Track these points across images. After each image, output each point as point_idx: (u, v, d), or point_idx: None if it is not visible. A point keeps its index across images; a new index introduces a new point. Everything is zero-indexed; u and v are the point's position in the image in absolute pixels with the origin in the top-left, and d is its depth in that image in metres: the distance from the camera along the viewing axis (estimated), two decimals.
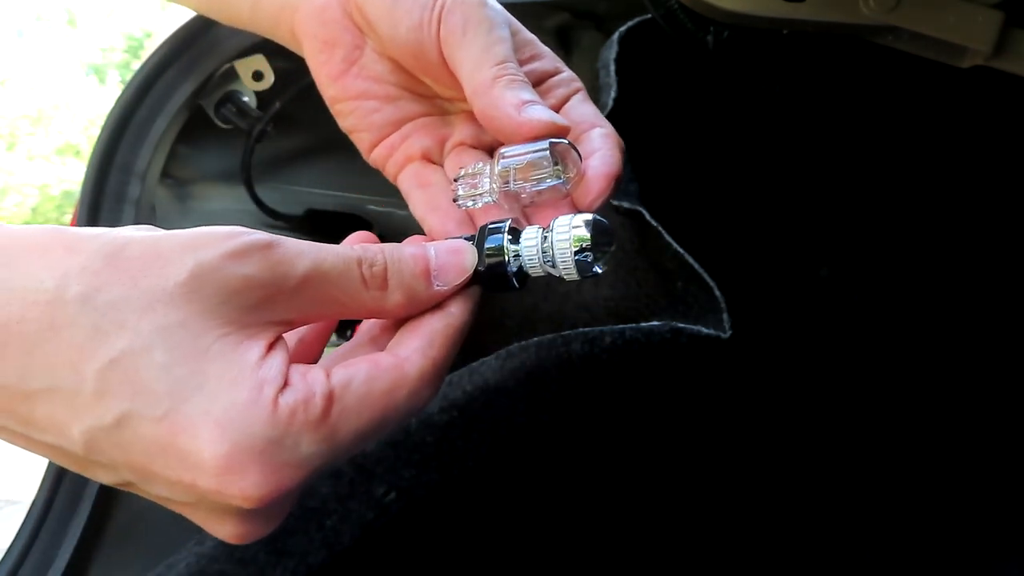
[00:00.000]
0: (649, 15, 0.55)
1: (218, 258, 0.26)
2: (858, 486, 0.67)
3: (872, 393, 0.68)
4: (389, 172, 0.41)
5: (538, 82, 0.38)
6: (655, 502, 0.65)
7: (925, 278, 0.67)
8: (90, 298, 0.25)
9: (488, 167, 0.36)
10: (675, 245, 0.50)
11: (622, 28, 0.58)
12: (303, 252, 0.28)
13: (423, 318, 0.31)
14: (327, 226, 0.81)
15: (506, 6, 0.38)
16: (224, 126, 0.76)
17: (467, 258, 0.32)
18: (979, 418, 0.66)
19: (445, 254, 0.31)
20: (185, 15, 0.67)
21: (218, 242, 0.27)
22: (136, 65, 1.04)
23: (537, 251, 0.32)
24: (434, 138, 0.40)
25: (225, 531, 0.28)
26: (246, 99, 0.76)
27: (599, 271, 0.32)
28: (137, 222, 0.76)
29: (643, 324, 0.49)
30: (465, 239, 0.33)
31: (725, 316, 0.47)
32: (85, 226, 0.84)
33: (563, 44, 0.74)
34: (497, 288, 0.33)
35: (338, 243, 0.36)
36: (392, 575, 0.57)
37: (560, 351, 0.49)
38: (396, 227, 0.80)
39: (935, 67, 0.46)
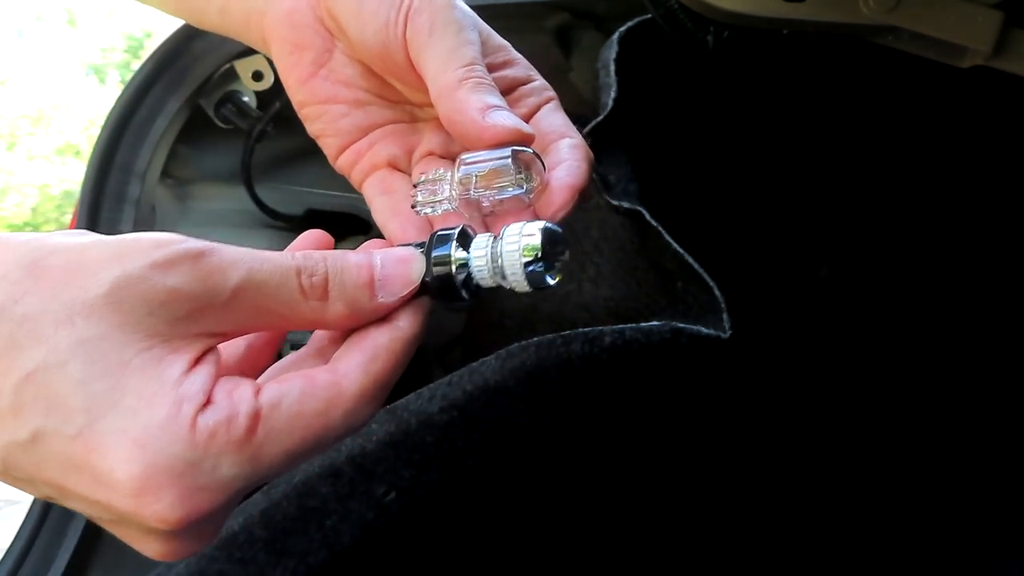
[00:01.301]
0: (649, 15, 0.55)
1: (143, 268, 0.25)
2: (858, 486, 0.67)
3: (872, 393, 0.68)
4: (354, 179, 0.40)
5: (509, 89, 0.37)
6: (655, 502, 0.65)
7: (925, 278, 0.67)
8: (6, 309, 0.25)
9: (449, 173, 0.35)
10: (675, 245, 0.50)
11: (622, 28, 0.58)
12: (237, 262, 0.27)
13: (368, 331, 0.30)
14: (327, 226, 0.81)
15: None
16: (224, 126, 0.76)
17: (414, 268, 0.30)
18: (979, 418, 0.66)
19: (392, 264, 0.30)
20: None
21: (145, 252, 0.26)
22: (136, 65, 1.04)
23: (487, 261, 0.30)
24: (402, 146, 0.39)
25: (151, 549, 0.27)
26: (246, 99, 0.76)
27: (551, 283, 0.30)
28: (137, 222, 0.76)
29: (643, 324, 0.49)
30: (417, 246, 0.31)
31: (725, 316, 0.47)
32: (85, 226, 0.84)
33: (563, 44, 0.74)
34: (447, 299, 0.31)
35: (336, 243, 0.36)
36: (392, 575, 0.57)
37: (560, 351, 0.49)
38: None
39: (935, 67, 0.46)
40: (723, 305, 0.48)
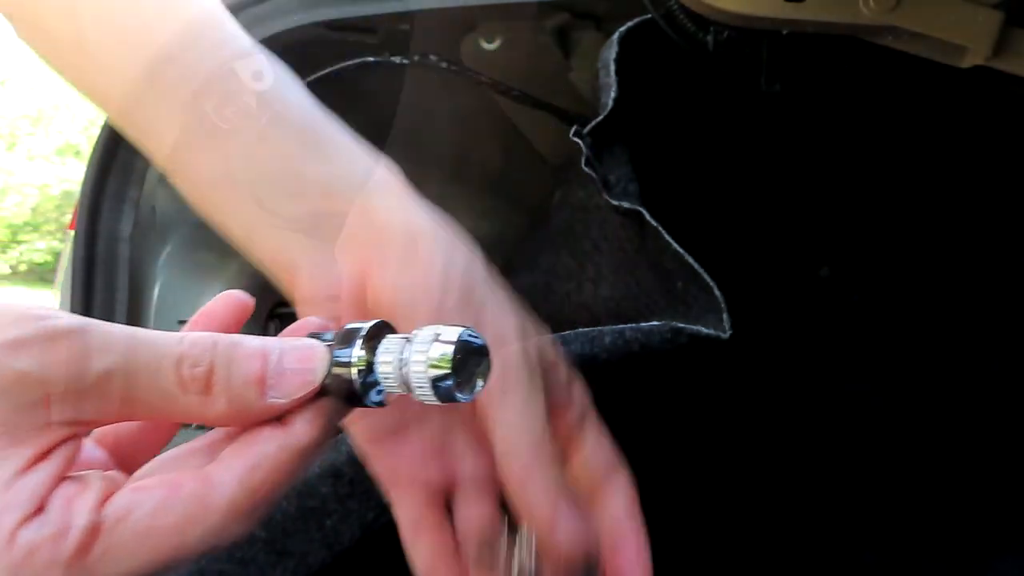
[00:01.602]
0: (649, 15, 0.55)
1: None
2: (857, 484, 0.68)
3: (871, 392, 0.68)
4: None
5: (554, 405, 0.35)
6: (654, 502, 0.65)
7: (925, 278, 0.67)
8: None
9: (518, 538, 0.33)
10: (675, 245, 0.50)
11: (622, 28, 0.58)
12: (109, 345, 0.24)
13: (258, 433, 0.26)
14: None
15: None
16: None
17: (317, 367, 0.26)
18: (978, 417, 0.66)
19: (290, 360, 0.26)
20: None
21: (1, 328, 0.23)
22: None
23: (394, 368, 0.26)
24: (442, 474, 0.37)
25: None
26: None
27: (467, 399, 0.26)
28: (137, 222, 0.76)
29: (643, 324, 0.49)
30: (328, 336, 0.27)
31: (725, 316, 0.47)
32: (85, 226, 0.83)
33: (563, 44, 0.74)
34: (351, 403, 0.27)
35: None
36: (392, 575, 0.57)
37: (560, 351, 0.49)
38: None
39: (935, 67, 0.46)
40: (723, 305, 0.48)
